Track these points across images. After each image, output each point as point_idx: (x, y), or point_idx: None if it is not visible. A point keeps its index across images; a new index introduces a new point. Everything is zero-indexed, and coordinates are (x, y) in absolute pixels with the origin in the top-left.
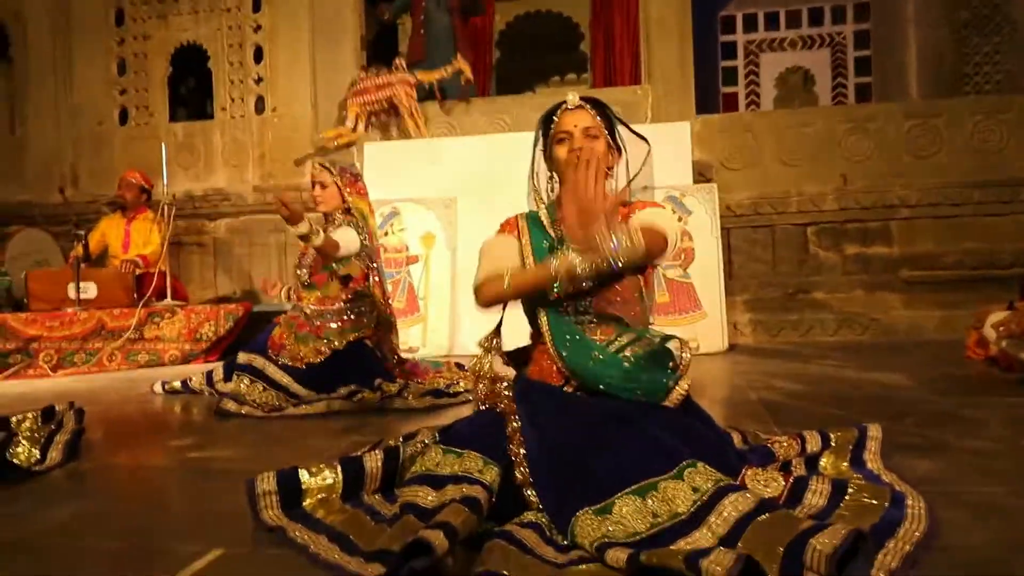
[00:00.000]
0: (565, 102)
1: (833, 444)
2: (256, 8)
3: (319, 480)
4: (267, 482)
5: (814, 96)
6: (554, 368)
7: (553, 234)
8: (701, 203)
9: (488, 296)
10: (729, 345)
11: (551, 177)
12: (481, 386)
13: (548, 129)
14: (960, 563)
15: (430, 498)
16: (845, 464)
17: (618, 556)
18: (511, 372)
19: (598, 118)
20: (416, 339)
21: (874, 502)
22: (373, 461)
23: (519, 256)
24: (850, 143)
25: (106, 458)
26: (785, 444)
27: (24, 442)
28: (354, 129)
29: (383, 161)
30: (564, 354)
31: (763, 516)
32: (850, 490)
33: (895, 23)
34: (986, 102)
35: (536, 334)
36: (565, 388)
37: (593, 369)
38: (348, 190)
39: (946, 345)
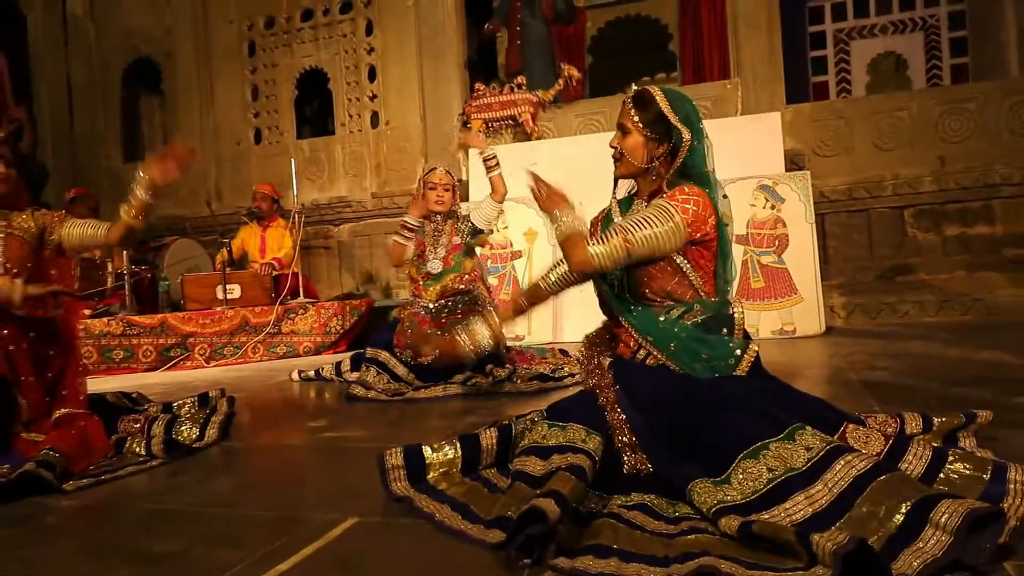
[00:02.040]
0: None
1: (935, 429)
2: (369, 32)
3: (441, 455)
4: (395, 457)
5: (907, 80)
6: (630, 338)
7: None
8: (794, 191)
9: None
10: (826, 328)
11: None
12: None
13: None
14: None
15: (538, 467)
16: (938, 443)
17: (731, 524)
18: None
19: (633, 112)
20: (521, 328)
21: (976, 474)
22: (488, 438)
23: None
24: (947, 125)
25: (254, 438)
26: (881, 419)
27: (187, 422)
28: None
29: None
30: (633, 321)
31: (883, 476)
32: (950, 459)
33: (992, 1)
34: None
35: (609, 316)
36: (646, 361)
37: (662, 329)
38: (458, 195)
39: None
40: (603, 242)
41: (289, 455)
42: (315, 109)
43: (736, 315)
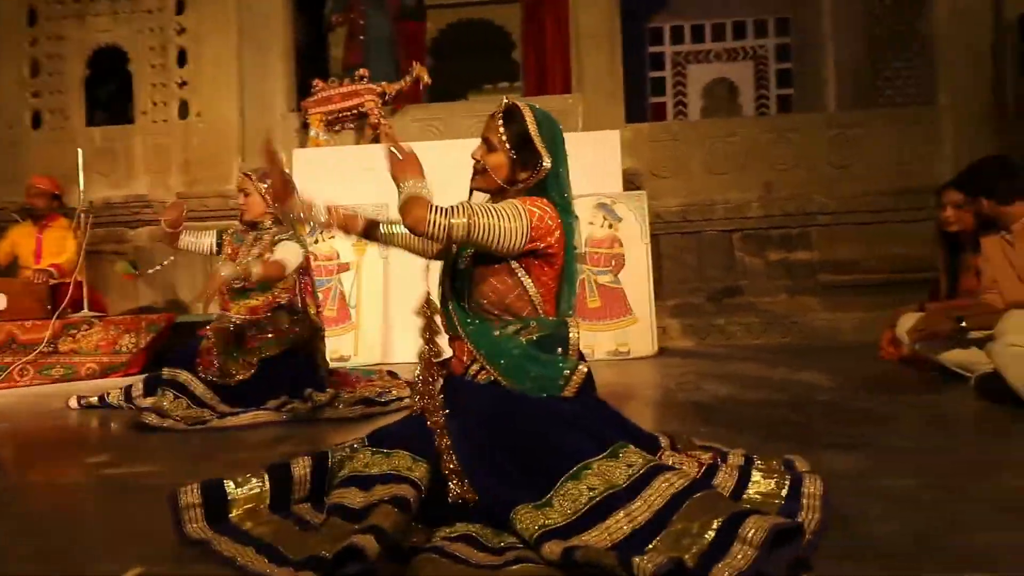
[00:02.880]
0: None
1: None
2: (180, 10)
3: (246, 490)
4: (191, 495)
5: (738, 107)
6: (465, 351)
7: None
8: (631, 210)
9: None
10: (659, 349)
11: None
12: (418, 370)
13: None
14: (876, 552)
15: (358, 499)
16: (743, 461)
17: (553, 549)
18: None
19: (501, 129)
20: (348, 348)
21: (775, 489)
22: (301, 468)
23: None
24: (773, 152)
25: (16, 477)
26: (704, 456)
27: None
28: (318, 137)
29: (313, 168)
30: (468, 333)
31: (699, 494)
32: (753, 476)
33: (814, 37)
34: (900, 114)
35: (448, 326)
36: (478, 376)
37: (495, 343)
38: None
39: (864, 346)
40: (448, 214)
41: (61, 496)
42: (111, 93)
43: (572, 336)
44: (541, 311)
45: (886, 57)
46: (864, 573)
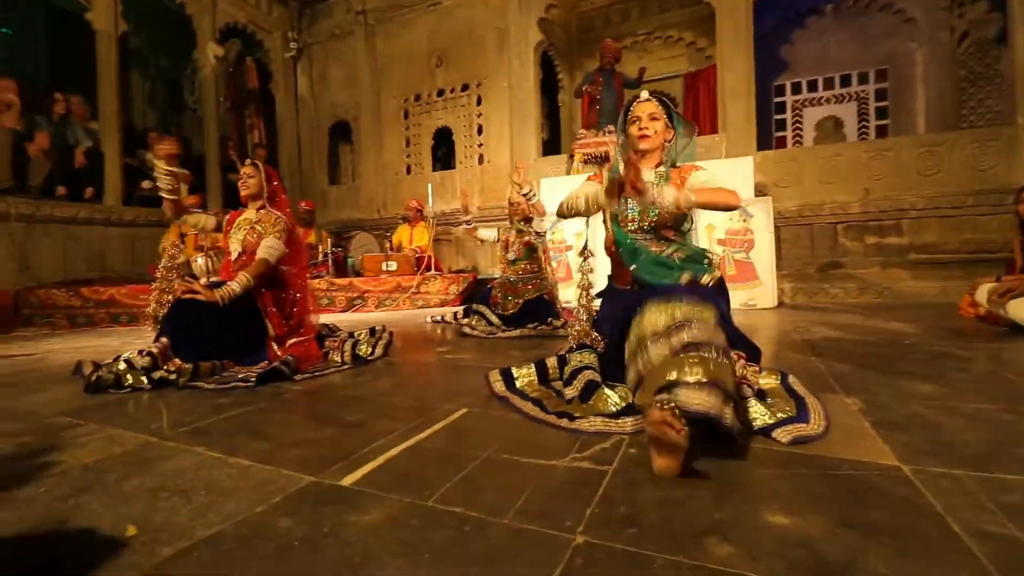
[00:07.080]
0: (639, 95)
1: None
2: (479, 103)
3: (523, 371)
4: (495, 375)
5: (843, 136)
6: (625, 273)
7: None
8: (761, 210)
9: (565, 204)
10: (778, 303)
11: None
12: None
13: (627, 114)
14: (954, 454)
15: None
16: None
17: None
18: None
19: (660, 107)
20: (573, 296)
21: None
22: (552, 362)
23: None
24: (872, 166)
25: (403, 356)
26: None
27: (364, 343)
28: (576, 167)
29: (551, 189)
30: (622, 252)
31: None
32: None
33: (908, 81)
34: (979, 133)
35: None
36: (632, 288)
37: (642, 262)
38: (531, 209)
39: (944, 306)
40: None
41: (425, 367)
42: (443, 153)
43: (715, 257)
44: (693, 240)
45: (968, 92)
46: (945, 468)
